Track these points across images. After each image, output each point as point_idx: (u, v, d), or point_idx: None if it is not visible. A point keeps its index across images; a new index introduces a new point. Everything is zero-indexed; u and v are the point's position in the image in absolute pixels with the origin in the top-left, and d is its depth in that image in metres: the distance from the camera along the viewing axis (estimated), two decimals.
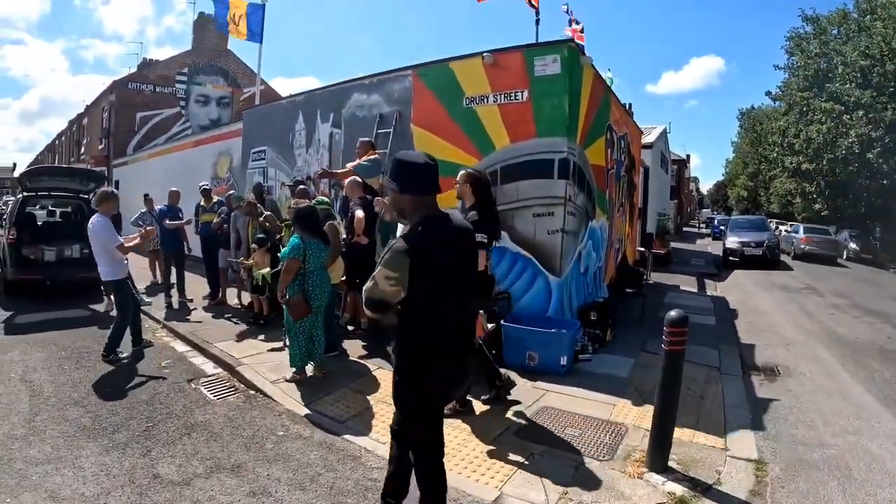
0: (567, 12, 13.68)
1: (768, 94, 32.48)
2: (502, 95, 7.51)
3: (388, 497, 3.33)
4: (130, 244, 7.32)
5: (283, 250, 6.37)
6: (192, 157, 17.44)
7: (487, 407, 5.44)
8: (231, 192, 9.85)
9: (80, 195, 12.56)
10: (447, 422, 4.86)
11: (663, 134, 27.16)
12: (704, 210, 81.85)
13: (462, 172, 5.41)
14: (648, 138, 20.12)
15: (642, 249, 14.48)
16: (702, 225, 59.42)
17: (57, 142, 57.19)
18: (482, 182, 5.35)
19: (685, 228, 49.19)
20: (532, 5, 10.73)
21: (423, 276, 2.83)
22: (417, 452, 3.15)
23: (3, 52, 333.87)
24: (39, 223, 13.11)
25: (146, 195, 12.33)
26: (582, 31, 14.37)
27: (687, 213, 62.05)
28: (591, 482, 4.08)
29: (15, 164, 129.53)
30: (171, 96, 29.59)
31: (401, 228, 4.09)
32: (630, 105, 29.26)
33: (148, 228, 8.38)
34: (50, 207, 14.52)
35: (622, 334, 8.10)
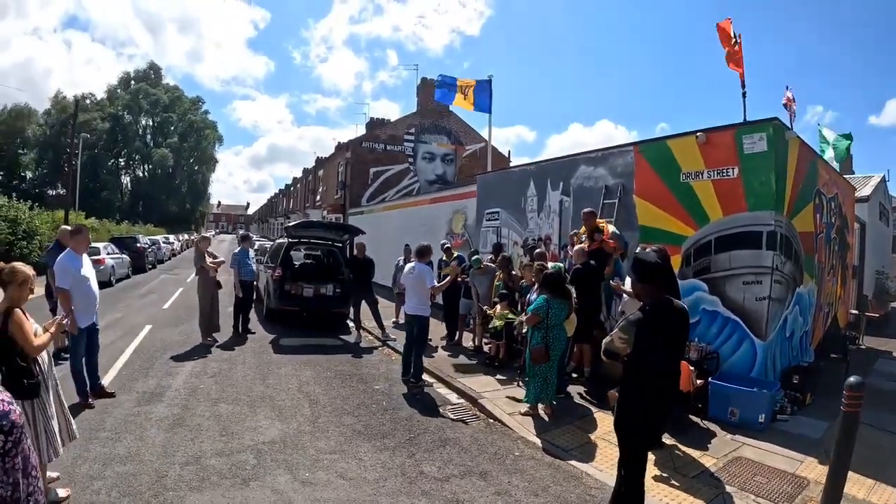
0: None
1: None
2: (715, 172, 8.15)
3: None
4: (438, 290, 9.21)
5: (530, 306, 7.52)
6: (428, 213, 19.06)
7: (688, 449, 6.22)
8: (475, 256, 11.13)
9: (335, 244, 14.77)
10: (650, 458, 5.74)
11: (881, 183, 25.52)
12: None
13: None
14: (864, 191, 19.29)
15: (855, 312, 13.99)
16: None
17: (292, 188, 63.64)
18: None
19: None
20: (741, 79, 11.02)
21: (651, 337, 3.93)
22: (629, 473, 4.17)
23: (234, 105, 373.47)
24: (297, 264, 15.42)
25: (406, 245, 13.89)
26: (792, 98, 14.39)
27: None
28: None
29: (248, 204, 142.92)
30: (401, 154, 32.63)
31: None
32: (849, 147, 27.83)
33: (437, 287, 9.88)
34: (304, 251, 16.72)
35: (822, 398, 8.19)
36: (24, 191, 21.42)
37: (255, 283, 12.99)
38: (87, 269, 6.98)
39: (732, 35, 11.01)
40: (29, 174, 65.94)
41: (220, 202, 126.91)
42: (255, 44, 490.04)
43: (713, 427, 6.96)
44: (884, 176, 26.87)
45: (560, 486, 5.27)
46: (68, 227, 8.31)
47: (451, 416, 7.35)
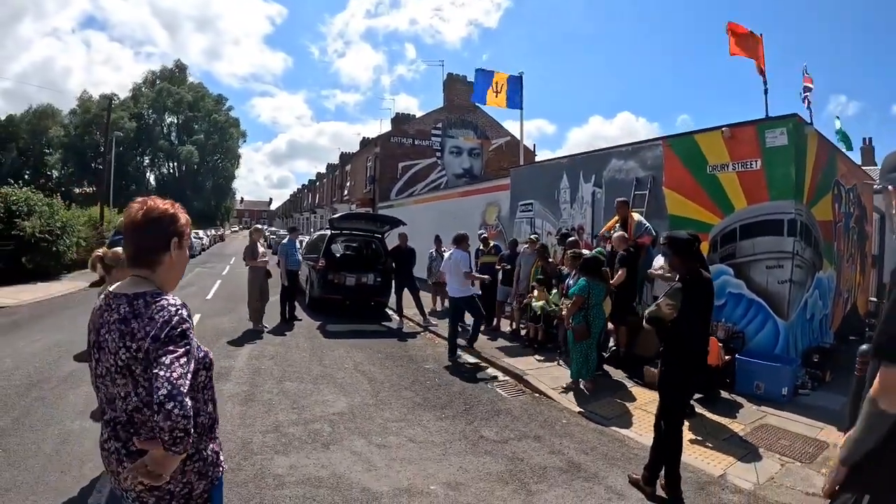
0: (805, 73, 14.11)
1: None
2: (739, 164, 8.70)
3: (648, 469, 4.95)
4: (472, 278, 9.95)
5: (572, 288, 8.09)
6: (460, 206, 19.72)
7: (719, 417, 6.85)
8: (534, 234, 11.81)
9: (375, 235, 15.40)
10: (687, 424, 6.34)
11: None
12: None
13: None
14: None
15: (874, 300, 14.18)
16: None
17: (317, 183, 64.22)
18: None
19: None
20: (761, 72, 11.32)
21: (688, 305, 4.59)
22: (672, 425, 4.81)
23: (253, 102, 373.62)
24: (338, 255, 16.13)
25: (437, 236, 14.81)
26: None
27: None
28: (792, 475, 5.34)
29: (271, 199, 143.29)
30: (428, 148, 33.20)
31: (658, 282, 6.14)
32: (870, 140, 28.19)
33: (477, 275, 10.65)
34: (344, 243, 17.21)
35: (841, 377, 8.55)
36: (52, 189, 21.46)
37: (298, 272, 13.60)
38: None
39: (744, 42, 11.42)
40: (55, 173, 67.09)
41: (242, 198, 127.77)
42: (273, 40, 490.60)
43: (740, 399, 7.56)
44: None
45: (606, 447, 5.93)
46: None
47: (500, 391, 8.00)
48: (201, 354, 2.15)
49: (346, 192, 43.52)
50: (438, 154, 33.43)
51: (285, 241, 13.05)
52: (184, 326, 1.96)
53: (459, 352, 9.94)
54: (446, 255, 10.07)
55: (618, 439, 6.19)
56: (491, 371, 9.15)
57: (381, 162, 32.70)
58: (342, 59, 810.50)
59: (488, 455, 5.60)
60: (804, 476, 5.34)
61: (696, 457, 5.70)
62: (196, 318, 12.28)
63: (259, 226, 13.34)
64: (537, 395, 7.88)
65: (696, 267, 4.76)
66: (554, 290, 9.63)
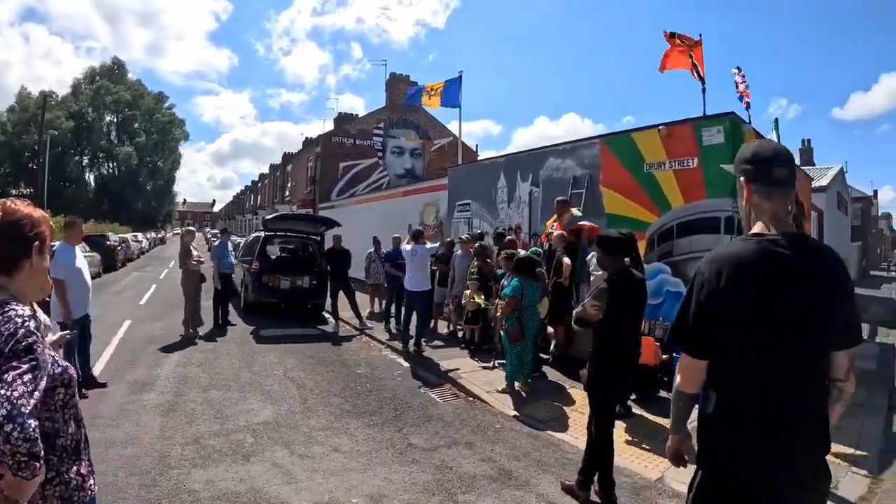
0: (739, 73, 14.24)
1: None
2: (676, 162, 8.64)
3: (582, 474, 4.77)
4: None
5: (505, 289, 7.88)
6: (400, 206, 19.52)
7: (656, 417, 6.72)
8: (467, 234, 11.72)
9: (311, 236, 15.12)
10: (621, 425, 6.19)
11: (839, 175, 26.39)
12: None
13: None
14: (822, 181, 19.97)
15: None
16: (894, 267, 53.51)
17: (259, 184, 63.56)
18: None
19: (873, 272, 44.71)
20: (699, 77, 11.35)
21: (616, 305, 4.50)
22: (602, 426, 4.69)
23: (196, 101, 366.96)
24: (273, 257, 15.77)
25: (375, 237, 14.48)
26: (747, 86, 14.92)
27: (878, 254, 56.83)
28: None
29: (214, 201, 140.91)
30: (370, 148, 32.81)
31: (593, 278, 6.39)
32: (809, 141, 29.23)
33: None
34: (279, 244, 16.88)
35: None
36: None
37: (232, 275, 13.21)
38: (80, 261, 7.25)
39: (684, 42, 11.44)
40: None
41: (185, 200, 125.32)
42: (217, 37, 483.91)
43: None
44: (842, 167, 27.79)
45: (539, 452, 5.75)
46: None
47: (433, 395, 7.77)
48: (59, 370, 1.95)
49: (287, 193, 43.07)
50: (380, 154, 33.11)
51: (216, 243, 12.69)
52: (29, 340, 1.77)
53: (392, 355, 9.96)
54: (408, 248, 9.97)
55: (552, 443, 6.02)
56: (425, 374, 8.90)
57: (322, 162, 32.26)
58: (288, 57, 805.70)
59: (415, 464, 5.37)
60: None
61: (633, 460, 5.56)
62: (126, 324, 11.91)
63: (191, 227, 12.94)
64: (471, 398, 7.67)
65: (625, 266, 4.62)
66: (482, 297, 9.45)
